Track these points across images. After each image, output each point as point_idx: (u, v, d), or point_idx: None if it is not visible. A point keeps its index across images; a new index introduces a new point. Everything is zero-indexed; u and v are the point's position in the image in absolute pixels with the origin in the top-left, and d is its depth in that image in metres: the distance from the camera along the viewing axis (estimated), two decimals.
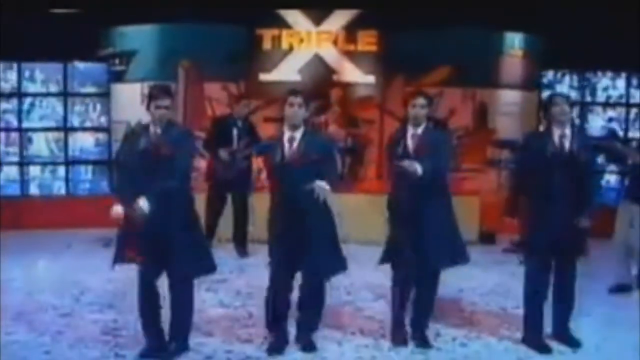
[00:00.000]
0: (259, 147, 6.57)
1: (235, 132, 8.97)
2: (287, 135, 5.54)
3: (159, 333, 5.49)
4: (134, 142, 5.35)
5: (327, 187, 5.31)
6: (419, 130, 5.78)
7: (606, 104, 11.26)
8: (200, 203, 8.98)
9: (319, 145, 5.59)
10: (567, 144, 5.75)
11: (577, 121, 11.17)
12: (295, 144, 5.50)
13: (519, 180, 6.09)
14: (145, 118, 5.49)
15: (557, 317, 5.95)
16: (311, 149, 5.49)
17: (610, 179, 11.26)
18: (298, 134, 5.52)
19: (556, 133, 5.78)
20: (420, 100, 5.78)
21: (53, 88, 11.03)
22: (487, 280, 7.78)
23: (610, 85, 11.17)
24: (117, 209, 5.21)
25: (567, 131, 5.79)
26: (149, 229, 5.14)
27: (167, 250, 5.27)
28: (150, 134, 5.30)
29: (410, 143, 5.75)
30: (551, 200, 5.68)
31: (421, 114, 5.77)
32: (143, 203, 5.07)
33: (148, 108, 5.36)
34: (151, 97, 5.34)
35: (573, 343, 5.87)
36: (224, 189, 9.02)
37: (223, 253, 8.69)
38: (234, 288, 7.38)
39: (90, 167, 11.23)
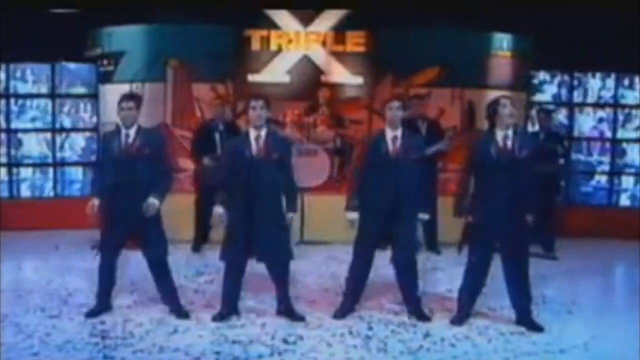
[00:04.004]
0: (228, 144, 6.77)
1: (217, 137, 8.86)
2: (253, 134, 6.18)
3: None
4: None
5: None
6: (398, 133, 6.24)
7: (596, 105, 11.29)
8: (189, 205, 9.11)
9: (280, 143, 6.33)
10: (509, 146, 5.96)
11: (565, 121, 11.24)
12: (261, 142, 6.15)
13: (465, 181, 6.27)
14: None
15: (516, 306, 6.27)
16: (274, 146, 6.20)
17: (601, 179, 11.30)
18: (263, 133, 6.18)
19: (499, 135, 5.99)
20: (395, 103, 6.23)
21: (43, 89, 10.97)
22: None
23: (600, 85, 11.19)
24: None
25: (510, 132, 5.99)
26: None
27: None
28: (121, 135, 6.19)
29: (390, 146, 6.23)
30: (495, 198, 5.91)
31: (397, 116, 6.20)
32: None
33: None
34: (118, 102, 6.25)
35: (536, 328, 6.16)
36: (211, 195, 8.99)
37: (211, 255, 8.68)
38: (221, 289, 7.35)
39: (80, 169, 11.18)
